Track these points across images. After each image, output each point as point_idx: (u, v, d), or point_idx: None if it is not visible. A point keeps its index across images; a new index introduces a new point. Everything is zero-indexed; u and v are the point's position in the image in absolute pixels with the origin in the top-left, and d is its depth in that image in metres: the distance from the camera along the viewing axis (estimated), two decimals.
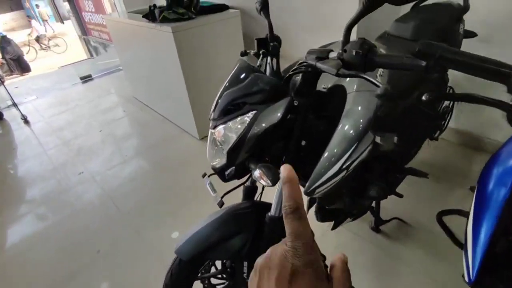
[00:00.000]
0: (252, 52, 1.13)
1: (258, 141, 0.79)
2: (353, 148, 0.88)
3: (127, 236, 1.83)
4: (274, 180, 0.75)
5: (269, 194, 1.07)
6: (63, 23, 13.83)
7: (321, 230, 1.59)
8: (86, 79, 4.54)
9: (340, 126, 0.87)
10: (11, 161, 2.84)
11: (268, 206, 1.07)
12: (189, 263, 0.99)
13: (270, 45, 1.02)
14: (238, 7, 2.64)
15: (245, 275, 1.01)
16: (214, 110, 0.86)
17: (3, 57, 6.66)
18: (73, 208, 2.11)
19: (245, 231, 0.99)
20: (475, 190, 0.70)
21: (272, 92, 0.78)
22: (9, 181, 2.58)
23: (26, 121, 3.43)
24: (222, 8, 2.48)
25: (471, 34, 1.56)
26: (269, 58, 1.03)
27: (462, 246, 1.10)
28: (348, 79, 0.95)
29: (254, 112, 0.78)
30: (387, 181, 1.43)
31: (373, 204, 1.62)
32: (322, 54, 0.77)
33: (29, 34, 9.38)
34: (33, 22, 10.71)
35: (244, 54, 1.24)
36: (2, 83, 3.98)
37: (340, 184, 0.92)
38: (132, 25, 2.65)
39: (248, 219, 1.01)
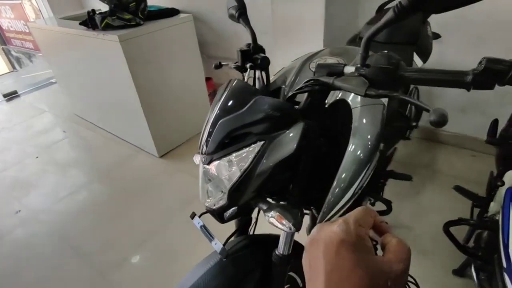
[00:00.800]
0: (232, 65, 0.99)
1: (269, 176, 0.66)
2: (365, 170, 0.79)
3: (92, 282, 1.55)
4: (298, 224, 0.63)
5: (263, 226, 0.94)
6: None
7: None
8: (10, 96, 3.92)
9: (349, 147, 0.78)
10: None
11: (267, 239, 0.94)
12: None
13: (257, 57, 0.89)
14: (188, 11, 2.45)
15: None
16: (206, 142, 0.70)
17: None
18: (16, 258, 1.74)
19: (250, 275, 0.85)
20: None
21: (283, 119, 0.65)
22: None
23: None
24: (172, 12, 2.27)
25: (436, 36, 1.60)
26: (257, 72, 0.90)
27: (471, 254, 1.09)
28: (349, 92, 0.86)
29: (262, 143, 0.65)
30: (375, 188, 1.40)
31: None
32: (336, 69, 0.67)
33: None
34: None
35: (218, 66, 1.09)
36: None
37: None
38: (67, 33, 2.30)
39: (252, 259, 0.87)
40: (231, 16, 0.98)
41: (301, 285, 1.01)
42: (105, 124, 2.83)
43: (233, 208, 0.72)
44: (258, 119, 0.64)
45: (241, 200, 0.70)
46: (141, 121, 2.23)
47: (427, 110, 0.53)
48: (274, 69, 1.04)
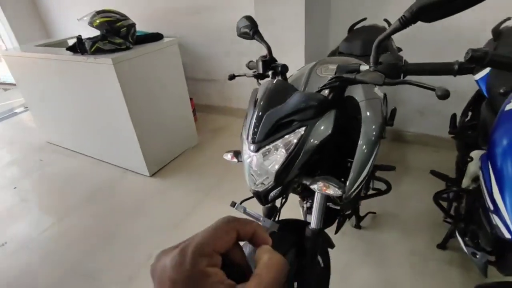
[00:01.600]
0: (250, 73, 1.14)
1: (311, 156, 0.81)
2: (375, 150, 0.98)
3: None
4: (342, 188, 0.78)
5: (285, 213, 1.08)
6: None
7: None
8: None
9: (362, 132, 0.96)
10: None
11: (295, 222, 1.07)
12: None
13: (277, 64, 1.05)
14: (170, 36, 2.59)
15: None
16: (253, 133, 0.83)
17: None
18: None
19: (289, 252, 0.97)
20: (491, 166, 0.87)
21: (320, 107, 0.81)
22: None
23: None
24: (158, 37, 2.39)
25: (398, 50, 1.90)
26: (277, 78, 1.06)
27: (456, 218, 1.30)
28: (355, 89, 1.06)
29: (305, 127, 0.80)
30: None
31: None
32: (354, 67, 0.85)
33: None
34: None
35: (232, 77, 1.25)
36: None
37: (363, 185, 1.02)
38: (52, 59, 2.31)
39: (287, 239, 0.99)
40: (244, 34, 1.15)
41: (322, 265, 1.14)
42: (86, 148, 2.78)
43: (278, 188, 0.85)
44: (300, 108, 0.80)
45: (287, 178, 0.83)
46: (132, 142, 2.27)
47: (433, 89, 0.72)
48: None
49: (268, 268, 0.26)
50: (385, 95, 2.03)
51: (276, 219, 1.15)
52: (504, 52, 1.45)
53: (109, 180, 2.46)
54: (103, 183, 2.42)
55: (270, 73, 1.05)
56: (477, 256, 1.17)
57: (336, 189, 0.78)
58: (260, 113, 0.83)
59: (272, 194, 0.87)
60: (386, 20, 1.90)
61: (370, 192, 1.53)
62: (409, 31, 0.83)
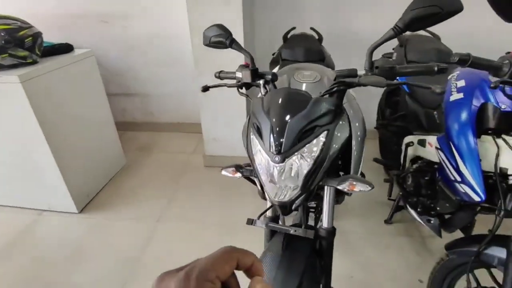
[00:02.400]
0: (232, 84, 1.10)
1: (334, 159, 0.84)
2: (364, 147, 1.08)
3: None
4: (368, 183, 0.83)
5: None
6: None
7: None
8: None
9: (353, 132, 1.05)
10: None
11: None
12: None
13: (265, 73, 1.04)
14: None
15: None
16: (276, 145, 0.80)
17: None
18: None
19: (310, 256, 0.98)
20: (453, 146, 1.07)
21: (336, 111, 0.85)
22: None
23: None
24: (68, 48, 2.03)
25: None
26: (266, 86, 1.05)
27: (409, 191, 1.53)
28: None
29: (326, 132, 0.82)
30: None
31: None
32: (352, 72, 0.93)
33: None
34: None
35: (206, 89, 1.19)
36: None
37: None
38: None
39: (304, 243, 1.00)
40: (217, 43, 1.10)
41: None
42: None
43: (303, 196, 0.86)
44: (321, 113, 0.82)
45: (313, 184, 0.84)
46: (51, 173, 1.86)
47: (429, 88, 0.85)
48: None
49: None
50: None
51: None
52: (410, 55, 1.79)
53: (23, 227, 1.95)
54: (15, 234, 1.91)
55: (261, 81, 1.03)
56: (432, 222, 1.42)
57: (366, 185, 0.83)
58: (281, 123, 0.81)
59: (297, 202, 0.86)
60: (312, 29, 2.09)
61: None
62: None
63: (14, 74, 1.56)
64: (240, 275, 0.32)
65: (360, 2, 2.30)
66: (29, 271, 1.67)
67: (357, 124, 1.08)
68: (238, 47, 1.08)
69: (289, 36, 2.05)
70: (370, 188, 0.84)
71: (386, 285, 1.56)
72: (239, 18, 1.91)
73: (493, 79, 0.86)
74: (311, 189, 0.85)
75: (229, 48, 1.07)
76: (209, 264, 0.28)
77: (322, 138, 0.82)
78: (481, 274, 1.11)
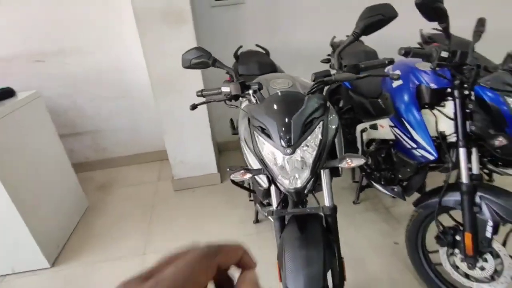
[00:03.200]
0: (221, 97, 1.21)
1: (333, 142, 1.02)
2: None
3: None
4: (361, 156, 1.02)
5: None
6: None
7: None
8: None
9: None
10: None
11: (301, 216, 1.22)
12: None
13: (252, 84, 1.17)
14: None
15: None
16: (286, 140, 0.94)
17: None
18: None
19: (323, 233, 1.12)
20: (405, 121, 1.35)
21: (326, 104, 1.03)
22: None
23: None
24: (11, 93, 1.89)
25: None
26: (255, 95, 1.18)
27: (370, 172, 1.79)
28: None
29: (322, 122, 0.99)
30: None
31: None
32: (326, 73, 1.12)
33: None
34: None
35: (195, 107, 1.28)
36: None
37: None
38: None
39: (315, 223, 1.13)
40: (199, 64, 1.22)
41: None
42: None
43: (312, 179, 1.01)
44: (316, 107, 0.99)
45: (320, 166, 1.00)
46: (17, 230, 1.69)
47: (387, 75, 1.09)
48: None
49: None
50: None
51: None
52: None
53: None
54: None
55: (250, 91, 1.16)
56: (395, 190, 1.69)
57: (360, 159, 1.02)
58: (286, 120, 0.96)
59: (308, 186, 1.01)
60: (258, 45, 2.31)
61: None
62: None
63: None
64: None
65: (296, 19, 2.61)
66: None
67: (334, 115, 1.29)
68: (221, 65, 1.21)
69: (239, 53, 2.23)
70: (364, 161, 1.03)
71: (369, 254, 1.78)
72: (192, 43, 2.02)
73: (424, 64, 1.15)
74: (317, 172, 1.01)
75: (191, 70, 1.21)
76: (180, 279, 0.22)
77: (319, 127, 0.99)
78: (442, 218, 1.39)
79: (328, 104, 1.08)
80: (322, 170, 1.10)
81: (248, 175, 1.10)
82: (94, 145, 2.84)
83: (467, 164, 1.21)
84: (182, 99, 2.17)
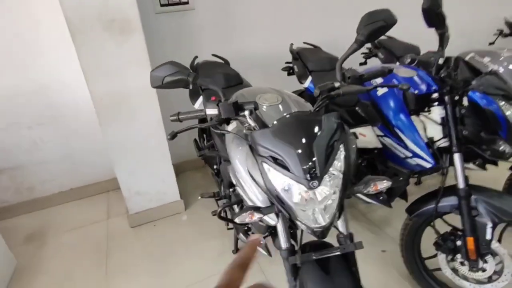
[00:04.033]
0: (210, 123, 1.00)
1: (357, 164, 0.89)
2: None
3: None
4: (387, 179, 0.91)
5: None
6: None
7: None
8: None
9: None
10: None
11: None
12: None
13: (246, 102, 0.98)
14: None
15: None
16: (311, 168, 0.78)
17: None
18: None
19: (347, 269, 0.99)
20: (397, 130, 1.30)
21: (341, 124, 0.90)
22: None
23: None
24: None
25: None
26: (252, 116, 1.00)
27: None
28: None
29: (342, 144, 0.86)
30: None
31: None
32: (331, 85, 1.00)
33: None
34: None
35: (174, 136, 1.04)
36: None
37: None
38: None
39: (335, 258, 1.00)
40: (176, 82, 1.00)
41: None
42: None
43: (337, 213, 0.86)
44: (335, 128, 0.85)
45: (345, 196, 0.86)
46: None
47: (396, 86, 1.02)
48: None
49: None
50: None
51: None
52: (310, 65, 2.03)
53: None
54: None
55: (246, 113, 0.97)
56: (381, 198, 1.66)
57: (387, 182, 0.91)
58: (307, 147, 0.80)
59: (334, 221, 0.87)
60: (215, 55, 2.11)
61: None
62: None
63: None
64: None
65: (251, 26, 2.48)
66: None
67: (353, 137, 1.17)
68: (205, 82, 1.00)
69: (195, 65, 2.00)
70: (390, 183, 0.92)
71: (359, 266, 1.71)
72: (144, 55, 1.73)
73: (403, 70, 1.12)
74: (342, 203, 0.87)
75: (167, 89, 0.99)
76: None
77: (341, 151, 0.85)
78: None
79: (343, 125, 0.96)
80: None
81: (258, 216, 0.91)
82: (14, 185, 2.27)
83: (463, 168, 1.20)
84: (133, 122, 1.85)
